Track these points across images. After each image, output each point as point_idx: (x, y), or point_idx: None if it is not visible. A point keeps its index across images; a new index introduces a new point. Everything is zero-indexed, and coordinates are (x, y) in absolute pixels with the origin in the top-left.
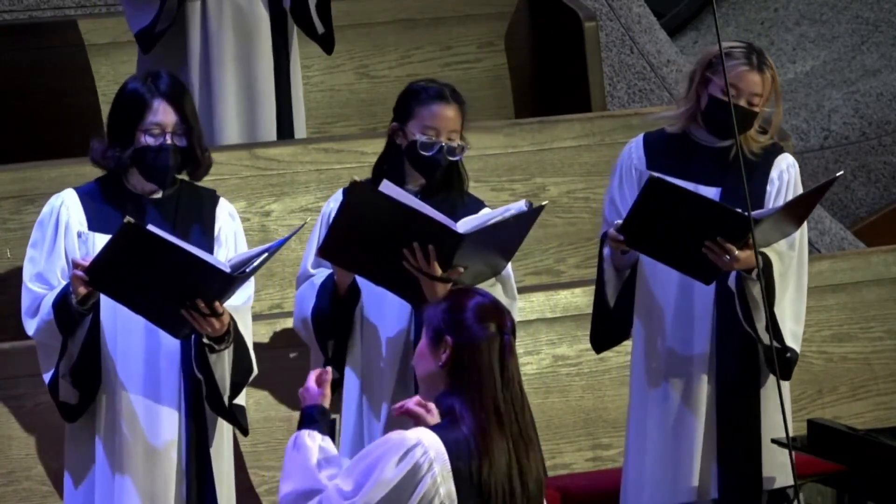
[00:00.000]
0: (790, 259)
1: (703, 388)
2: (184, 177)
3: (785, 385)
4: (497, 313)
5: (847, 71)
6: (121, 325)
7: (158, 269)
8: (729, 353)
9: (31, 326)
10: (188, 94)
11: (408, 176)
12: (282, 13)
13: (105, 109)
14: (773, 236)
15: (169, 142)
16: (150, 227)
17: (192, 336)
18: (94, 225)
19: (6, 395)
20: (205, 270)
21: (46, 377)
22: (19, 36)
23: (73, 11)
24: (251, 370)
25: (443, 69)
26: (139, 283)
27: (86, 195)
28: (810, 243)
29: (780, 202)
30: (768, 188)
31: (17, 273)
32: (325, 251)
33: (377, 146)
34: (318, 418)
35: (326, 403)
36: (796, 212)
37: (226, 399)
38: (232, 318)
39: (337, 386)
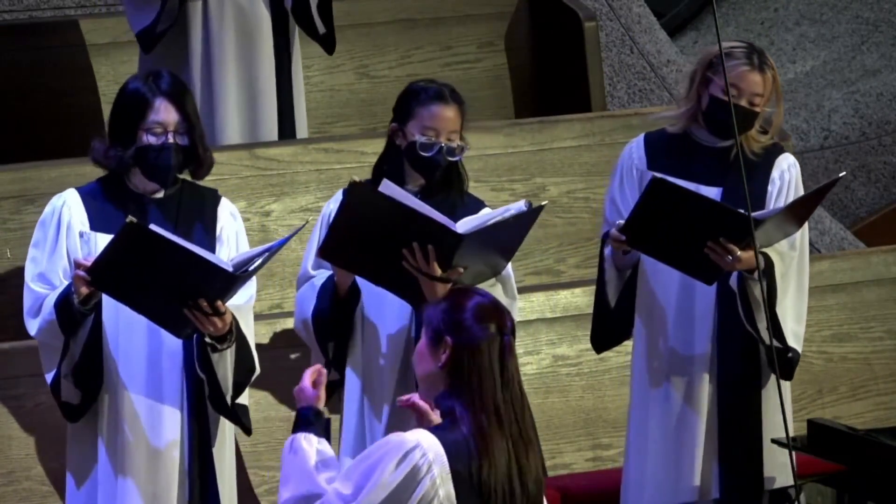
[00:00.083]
0: (791, 259)
1: (705, 389)
2: (185, 176)
3: (785, 385)
4: (497, 313)
5: (847, 71)
6: (123, 324)
7: (160, 269)
8: (730, 353)
9: (33, 326)
10: (189, 93)
11: (408, 176)
12: (283, 13)
13: (105, 109)
14: (776, 236)
15: (171, 140)
16: (152, 227)
17: (195, 336)
18: (95, 225)
19: (6, 395)
20: (207, 270)
21: (48, 377)
22: (19, 36)
23: (73, 11)
24: (254, 369)
25: (443, 69)
26: (141, 282)
27: (87, 195)
28: (810, 243)
29: (781, 202)
30: (769, 188)
31: (17, 273)
32: (325, 251)
33: (377, 146)
34: (313, 420)
35: (321, 405)
36: (798, 212)
37: (228, 399)
38: (234, 318)
39: (337, 387)
